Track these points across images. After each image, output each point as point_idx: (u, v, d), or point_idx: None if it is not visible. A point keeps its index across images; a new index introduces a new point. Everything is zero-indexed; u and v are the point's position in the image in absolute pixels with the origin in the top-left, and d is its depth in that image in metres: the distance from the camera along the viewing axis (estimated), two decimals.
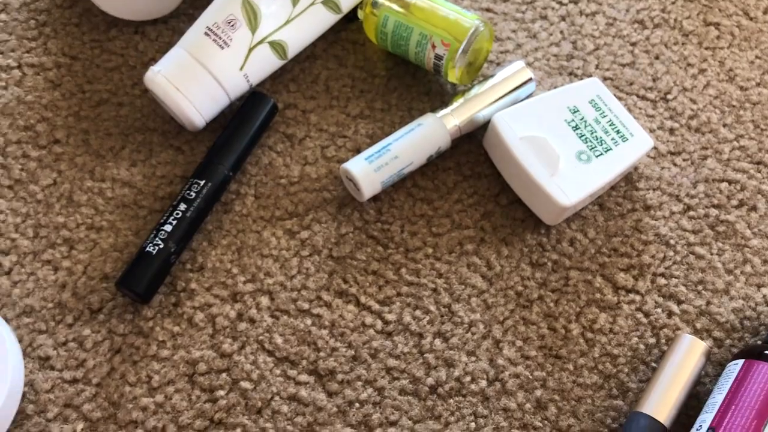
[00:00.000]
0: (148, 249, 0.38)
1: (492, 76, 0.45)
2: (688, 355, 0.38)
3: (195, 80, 0.40)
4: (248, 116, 0.42)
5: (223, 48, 0.41)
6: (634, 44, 0.49)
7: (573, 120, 0.43)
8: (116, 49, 0.45)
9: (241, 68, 0.41)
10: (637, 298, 0.41)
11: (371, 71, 0.46)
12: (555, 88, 0.47)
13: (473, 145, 0.45)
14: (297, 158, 0.44)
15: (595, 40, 0.49)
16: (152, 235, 0.38)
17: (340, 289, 0.40)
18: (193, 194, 0.39)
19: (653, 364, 0.40)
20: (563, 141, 0.42)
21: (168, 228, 0.38)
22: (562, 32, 0.49)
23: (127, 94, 0.44)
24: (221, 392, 0.37)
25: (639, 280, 0.42)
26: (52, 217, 0.40)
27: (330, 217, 0.42)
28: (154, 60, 0.45)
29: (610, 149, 0.42)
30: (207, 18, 0.41)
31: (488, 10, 0.49)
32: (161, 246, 0.38)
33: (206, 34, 0.41)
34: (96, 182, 0.42)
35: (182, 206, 0.39)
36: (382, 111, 0.45)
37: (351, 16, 0.47)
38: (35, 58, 0.45)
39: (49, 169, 0.42)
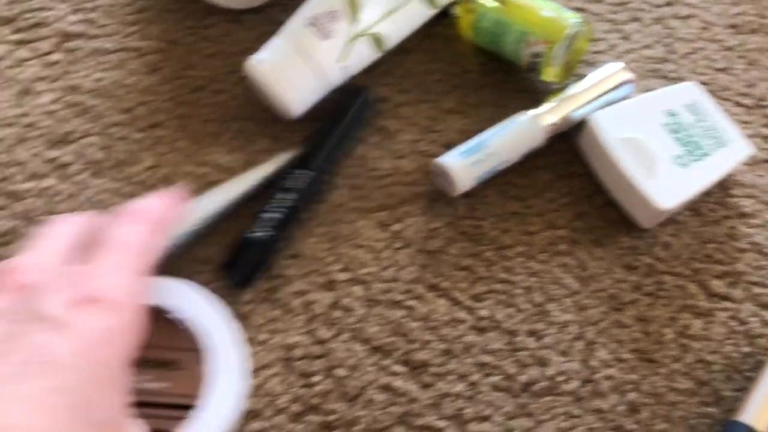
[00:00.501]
0: (249, 236, 0.38)
1: (587, 76, 0.44)
2: None
3: (295, 70, 0.41)
4: (348, 109, 0.42)
5: (324, 39, 0.41)
6: (729, 49, 0.48)
7: (671, 123, 0.42)
8: (213, 36, 0.46)
9: (340, 60, 0.42)
10: (732, 305, 0.41)
11: (464, 67, 0.46)
12: (647, 90, 0.46)
13: (567, 144, 0.44)
14: (389, 151, 0.44)
15: (689, 43, 0.48)
16: (254, 223, 0.39)
17: (431, 283, 0.40)
18: (294, 184, 0.40)
19: (748, 373, 0.39)
20: (661, 144, 0.42)
21: (269, 216, 0.39)
22: (656, 35, 0.49)
23: (224, 81, 0.45)
24: (317, 378, 0.38)
25: (733, 288, 0.41)
26: None
27: (421, 211, 0.42)
28: (250, 48, 0.46)
29: (708, 154, 0.42)
30: (309, 9, 0.42)
31: (581, 9, 0.49)
32: (262, 234, 0.38)
33: (308, 25, 0.41)
34: (195, 167, 0.42)
35: (283, 195, 0.40)
36: (474, 107, 0.45)
37: (444, 12, 0.47)
38: (135, 42, 0.45)
39: (149, 151, 0.42)
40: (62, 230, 0.32)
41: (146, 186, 0.41)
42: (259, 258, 0.38)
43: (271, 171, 0.41)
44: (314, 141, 0.42)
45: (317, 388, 0.37)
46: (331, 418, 0.37)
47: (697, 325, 0.40)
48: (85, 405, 0.26)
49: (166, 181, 0.42)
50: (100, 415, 0.27)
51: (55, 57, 0.45)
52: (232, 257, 0.38)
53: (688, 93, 0.44)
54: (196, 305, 0.36)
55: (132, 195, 0.41)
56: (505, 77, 0.46)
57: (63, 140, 0.42)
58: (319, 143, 0.41)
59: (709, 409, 0.38)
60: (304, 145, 0.42)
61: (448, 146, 0.44)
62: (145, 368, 0.35)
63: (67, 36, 0.45)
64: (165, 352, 0.36)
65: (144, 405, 0.34)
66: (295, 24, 0.41)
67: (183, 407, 0.34)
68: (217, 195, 0.40)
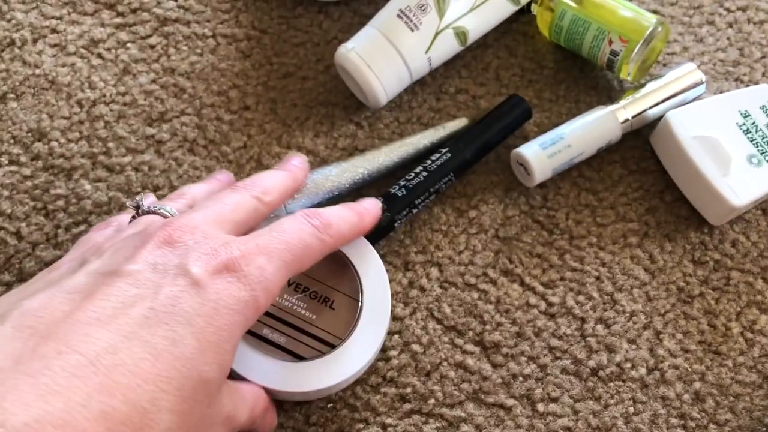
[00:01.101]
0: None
1: (661, 75, 0.46)
2: None
3: (385, 59, 0.43)
4: (507, 114, 0.44)
5: (413, 30, 0.43)
6: None
7: (744, 124, 0.44)
8: (301, 26, 0.48)
9: (427, 51, 0.44)
10: None
11: (540, 62, 0.48)
12: (721, 92, 0.48)
13: (640, 140, 0.46)
14: None
15: (762, 48, 0.49)
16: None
17: (505, 268, 0.42)
18: (435, 166, 0.42)
19: None
20: (734, 143, 0.43)
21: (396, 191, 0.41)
22: (729, 38, 0.50)
23: (311, 69, 0.47)
24: (393, 352, 0.40)
25: None
26: (243, 176, 0.43)
27: (497, 199, 0.44)
28: (336, 39, 0.48)
29: None
30: (400, 1, 0.44)
31: (656, 11, 0.50)
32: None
33: (399, 16, 0.43)
34: (282, 148, 0.44)
35: (421, 171, 0.42)
36: (549, 101, 0.47)
37: (523, 9, 0.48)
38: (228, 29, 0.48)
39: (240, 132, 0.45)
40: (225, 199, 0.34)
41: (237, 165, 0.44)
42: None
43: (422, 146, 0.44)
44: (469, 135, 0.44)
45: (394, 362, 0.39)
46: (407, 390, 0.39)
47: (763, 320, 0.41)
48: (189, 361, 0.28)
49: (256, 161, 0.44)
50: (198, 376, 0.28)
51: (153, 40, 0.47)
52: None
53: (761, 95, 0.45)
54: (368, 261, 0.39)
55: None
56: (580, 74, 0.48)
57: (159, 119, 0.45)
58: (472, 138, 0.43)
59: None
60: (463, 135, 0.44)
61: (525, 138, 0.45)
62: (305, 295, 0.38)
63: (165, 21, 0.48)
64: (328, 291, 0.38)
65: (288, 324, 0.37)
66: (386, 15, 0.43)
67: (318, 339, 0.37)
68: (364, 161, 0.42)
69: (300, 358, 0.36)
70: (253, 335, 0.36)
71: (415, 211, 0.42)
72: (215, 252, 0.30)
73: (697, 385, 0.40)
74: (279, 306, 0.37)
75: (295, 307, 0.37)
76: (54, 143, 0.44)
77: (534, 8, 0.48)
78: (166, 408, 0.27)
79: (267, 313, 0.37)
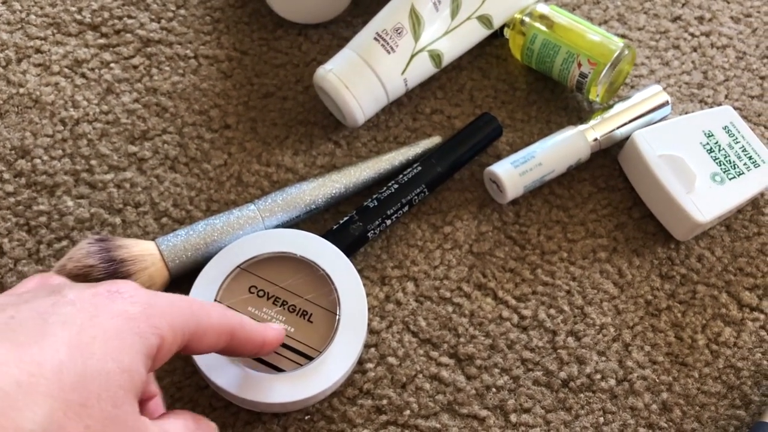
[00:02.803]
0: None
1: (628, 97, 0.47)
2: None
3: (362, 80, 0.44)
4: (474, 132, 0.46)
5: (389, 53, 0.44)
6: (763, 78, 0.51)
7: (708, 143, 0.45)
8: (282, 48, 0.50)
9: (403, 72, 0.45)
10: (761, 316, 0.43)
11: (513, 84, 0.50)
12: (686, 113, 0.49)
13: (608, 159, 0.47)
14: None
15: (725, 71, 0.51)
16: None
17: (479, 283, 0.43)
18: (407, 180, 0.44)
19: None
20: (698, 162, 0.45)
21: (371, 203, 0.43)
22: (693, 62, 0.52)
23: (291, 89, 0.48)
24: (370, 365, 0.40)
25: (763, 300, 0.44)
26: (224, 194, 0.44)
27: (471, 215, 0.45)
28: (316, 60, 0.49)
29: (743, 173, 0.45)
30: (377, 24, 0.45)
31: (624, 36, 0.52)
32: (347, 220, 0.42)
33: (375, 39, 0.45)
34: (262, 166, 0.46)
35: (393, 186, 0.43)
36: (522, 121, 0.48)
37: (496, 33, 0.50)
38: (210, 50, 0.49)
39: (221, 150, 0.46)
40: None
41: (218, 182, 0.45)
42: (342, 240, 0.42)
43: (397, 162, 0.45)
44: (441, 150, 0.45)
45: (370, 374, 0.40)
46: (383, 402, 0.40)
47: (727, 332, 0.43)
48: (68, 346, 0.26)
49: (236, 178, 0.45)
50: (84, 363, 0.26)
51: (136, 61, 0.48)
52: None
53: (724, 116, 0.47)
54: (346, 275, 0.39)
55: (203, 189, 0.44)
56: (551, 96, 0.49)
57: (142, 137, 0.46)
58: (444, 154, 0.45)
59: (738, 412, 0.41)
60: (435, 151, 0.45)
61: (498, 157, 0.47)
62: (284, 308, 0.38)
63: (148, 42, 0.49)
64: (307, 304, 0.39)
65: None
66: (363, 37, 0.45)
67: (296, 351, 0.38)
68: (340, 177, 0.44)
69: (278, 369, 0.37)
70: None
71: (389, 222, 0.43)
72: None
73: (665, 395, 0.41)
74: (258, 319, 0.38)
75: (273, 320, 0.38)
76: (37, 160, 0.45)
77: (506, 32, 0.49)
78: (41, 392, 0.24)
79: None
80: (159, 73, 0.48)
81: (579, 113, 0.49)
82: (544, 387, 0.41)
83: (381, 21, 0.45)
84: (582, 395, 0.41)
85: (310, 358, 0.37)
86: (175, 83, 0.48)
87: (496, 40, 0.51)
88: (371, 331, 0.41)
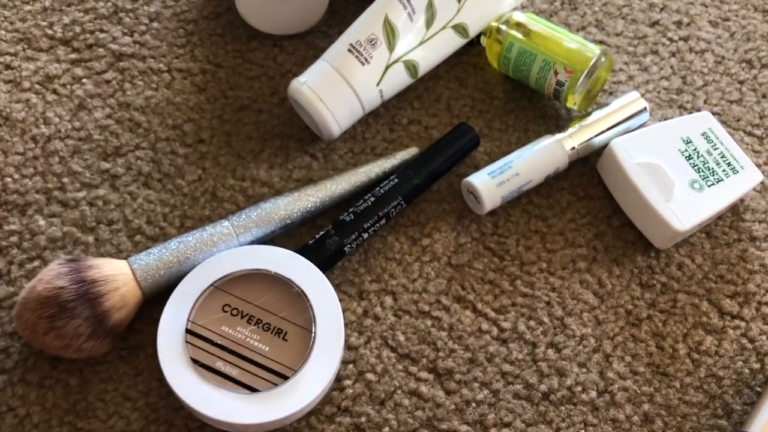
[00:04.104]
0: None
1: (606, 104, 0.47)
2: None
3: (337, 92, 0.44)
4: (451, 143, 0.45)
5: (364, 64, 0.44)
6: (741, 82, 0.51)
7: (686, 150, 0.45)
8: (256, 60, 0.49)
9: (378, 84, 0.45)
10: (742, 324, 0.43)
11: (490, 93, 0.49)
12: (665, 119, 0.49)
13: (587, 168, 0.47)
14: None
15: (704, 76, 0.51)
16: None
17: (458, 295, 0.43)
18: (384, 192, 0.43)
19: (758, 389, 0.41)
20: (677, 169, 0.44)
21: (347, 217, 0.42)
22: (672, 67, 0.51)
23: (266, 101, 0.48)
24: (348, 382, 0.40)
25: (744, 307, 0.43)
26: (198, 210, 0.44)
27: (449, 227, 0.45)
28: (291, 72, 0.49)
29: (722, 180, 0.44)
30: (351, 35, 0.45)
31: (602, 42, 0.52)
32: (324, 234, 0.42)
33: (350, 50, 0.44)
34: (237, 180, 0.45)
35: (370, 199, 0.43)
36: (499, 131, 0.48)
37: (473, 42, 0.50)
38: (183, 63, 0.49)
39: (195, 165, 0.45)
40: None
41: (192, 198, 0.44)
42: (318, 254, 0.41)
43: (373, 174, 0.44)
44: (418, 162, 0.44)
45: (348, 391, 0.40)
46: (361, 420, 0.39)
47: (709, 341, 0.42)
48: None
49: (210, 194, 0.44)
50: None
51: (108, 76, 0.48)
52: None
53: (702, 122, 0.46)
54: (321, 291, 0.39)
55: (177, 206, 0.44)
56: (528, 104, 0.49)
57: (114, 153, 0.45)
58: (421, 165, 0.44)
59: (720, 422, 0.40)
60: (411, 163, 0.45)
61: (476, 167, 0.46)
62: (258, 327, 0.38)
63: (120, 56, 0.48)
64: (281, 322, 0.38)
65: (240, 357, 0.37)
66: (337, 49, 0.44)
67: (271, 371, 0.37)
68: (315, 190, 0.43)
69: (253, 390, 0.36)
70: (206, 368, 0.37)
71: (365, 236, 0.42)
72: None
73: (646, 406, 0.40)
74: (231, 339, 0.37)
75: (248, 339, 0.37)
76: (8, 179, 0.44)
77: (483, 40, 0.49)
78: None
79: (220, 346, 0.37)
80: (132, 87, 0.48)
81: (557, 121, 0.48)
82: (525, 400, 0.40)
83: (355, 32, 0.45)
84: (563, 408, 0.40)
85: (285, 378, 0.37)
86: (149, 98, 0.47)
87: (472, 48, 0.50)
88: (349, 347, 0.41)
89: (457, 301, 0.43)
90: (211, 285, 0.38)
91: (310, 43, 0.50)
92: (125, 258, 0.41)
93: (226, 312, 0.38)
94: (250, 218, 0.41)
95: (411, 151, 0.46)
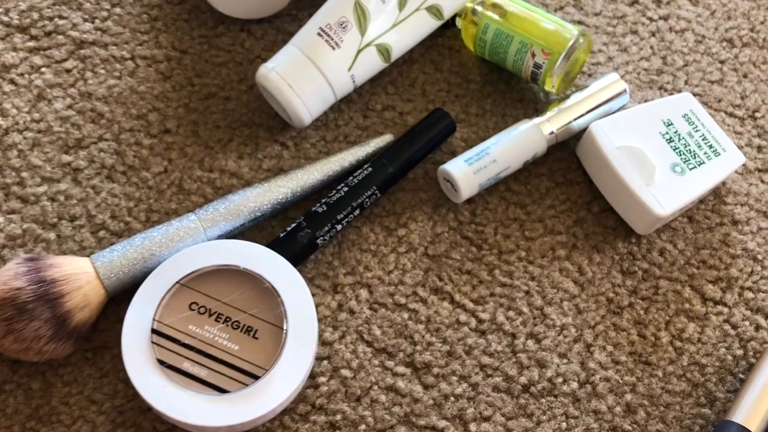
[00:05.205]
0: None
1: (586, 86, 0.46)
2: None
3: (306, 78, 0.42)
4: (426, 129, 0.44)
5: (334, 48, 0.42)
6: (722, 62, 0.50)
7: (667, 133, 0.44)
8: (224, 45, 0.47)
9: (349, 69, 0.43)
10: (725, 310, 0.42)
11: (466, 77, 0.48)
12: (645, 101, 0.48)
13: (566, 152, 0.46)
14: None
15: (684, 56, 0.50)
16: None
17: (435, 286, 0.42)
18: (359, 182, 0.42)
19: (741, 375, 0.40)
20: (658, 153, 0.43)
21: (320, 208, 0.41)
22: (652, 47, 0.50)
23: (234, 89, 0.46)
24: (323, 378, 0.39)
25: (727, 293, 0.43)
26: (164, 203, 0.42)
27: (426, 216, 0.43)
28: (260, 57, 0.47)
29: (704, 163, 0.43)
30: (320, 19, 0.43)
31: (580, 22, 0.50)
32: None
33: (319, 34, 0.42)
34: (205, 172, 0.43)
35: (344, 189, 0.41)
36: (476, 116, 0.47)
37: (448, 24, 0.48)
38: (147, 50, 0.47)
39: (160, 157, 0.44)
40: None
41: (158, 191, 0.43)
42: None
43: (347, 163, 0.43)
44: (392, 150, 0.43)
45: (323, 389, 0.38)
46: (337, 417, 0.38)
47: (691, 328, 0.41)
48: None
49: (177, 186, 0.43)
50: None
51: (69, 64, 0.46)
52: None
53: (683, 103, 0.45)
54: (293, 286, 0.37)
55: (142, 199, 0.42)
56: (506, 87, 0.48)
57: (76, 145, 0.43)
58: (395, 153, 0.43)
59: (703, 410, 0.40)
60: (386, 151, 0.43)
61: (452, 153, 0.45)
62: (227, 325, 0.36)
63: (81, 44, 0.46)
64: (251, 319, 0.37)
65: (209, 356, 0.36)
66: (307, 33, 0.43)
67: (241, 371, 0.36)
68: (285, 180, 0.41)
69: (222, 390, 0.35)
70: (173, 369, 0.35)
71: (339, 227, 0.41)
72: None
73: (629, 396, 0.40)
74: (200, 338, 0.36)
75: (216, 338, 0.36)
76: None
77: (458, 22, 0.48)
78: None
79: (187, 346, 0.36)
80: (94, 76, 0.46)
81: (535, 105, 0.47)
82: (504, 393, 0.39)
83: (324, 15, 0.43)
84: (543, 400, 0.39)
85: (255, 377, 0.35)
86: (111, 87, 0.45)
87: (448, 30, 0.49)
88: (323, 342, 0.40)
89: (435, 293, 0.41)
90: (177, 282, 0.37)
91: (279, 27, 0.48)
92: (89, 255, 0.39)
93: (194, 310, 0.36)
94: (217, 211, 0.40)
95: (385, 139, 0.45)
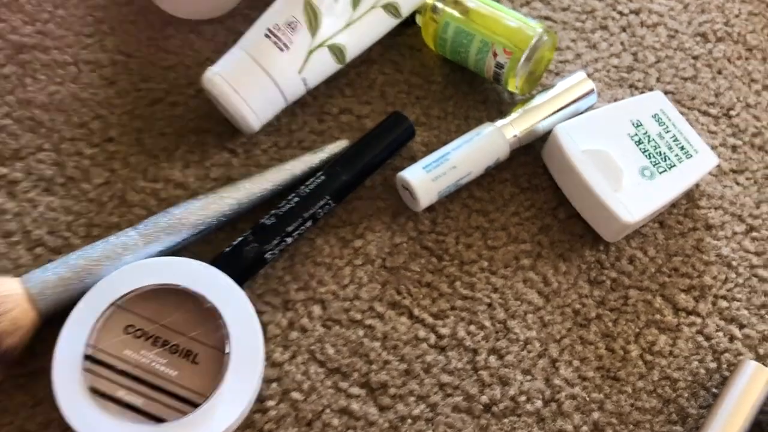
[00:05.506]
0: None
1: (552, 86, 0.44)
2: (752, 382, 0.37)
3: (254, 82, 0.40)
4: (384, 134, 0.41)
5: (282, 50, 0.40)
6: (696, 58, 0.48)
7: (636, 134, 0.42)
8: (172, 47, 0.45)
9: (300, 71, 0.41)
10: (698, 320, 0.40)
11: (428, 78, 0.46)
12: (615, 100, 0.46)
13: (531, 156, 0.44)
14: None
15: (656, 52, 0.48)
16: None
17: (393, 301, 0.39)
18: (312, 191, 0.39)
19: (714, 390, 0.39)
20: (626, 156, 0.41)
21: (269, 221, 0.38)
22: (622, 43, 0.48)
23: (182, 93, 0.44)
24: (271, 402, 0.37)
25: (700, 302, 0.41)
26: (105, 216, 0.40)
27: (384, 226, 0.41)
28: (209, 60, 0.45)
29: (674, 165, 0.41)
30: (268, 19, 0.41)
31: (547, 18, 0.48)
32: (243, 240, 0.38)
33: (267, 35, 0.40)
34: (149, 182, 0.41)
35: (296, 200, 0.39)
36: (438, 119, 0.44)
37: (408, 21, 0.46)
38: (91, 54, 0.44)
39: (102, 167, 0.41)
40: None
41: (99, 203, 0.40)
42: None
43: (299, 171, 0.41)
44: (347, 156, 0.41)
45: (272, 413, 0.36)
46: None
47: (662, 340, 0.39)
48: None
49: (119, 198, 0.40)
50: None
51: (7, 70, 0.43)
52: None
53: (654, 103, 0.43)
54: (236, 305, 0.35)
55: (82, 213, 0.40)
56: (469, 88, 0.45)
57: (13, 156, 0.41)
58: (350, 160, 0.41)
59: (675, 428, 0.38)
60: (339, 157, 0.41)
61: (412, 159, 0.43)
62: (164, 350, 0.34)
63: (21, 48, 0.44)
64: (191, 343, 0.34)
65: (146, 383, 0.33)
66: (254, 35, 0.40)
67: (179, 398, 0.33)
68: (231, 191, 0.39)
69: (160, 420, 0.33)
70: (106, 398, 0.33)
71: (289, 240, 0.39)
72: None
73: (596, 415, 0.38)
74: (135, 364, 0.34)
75: (153, 363, 0.34)
76: None
77: (418, 19, 0.45)
78: None
79: (122, 372, 0.33)
80: (34, 82, 0.43)
81: (500, 106, 0.45)
82: (465, 413, 0.37)
83: (272, 15, 0.41)
84: (506, 420, 0.37)
85: (195, 405, 0.33)
86: (52, 94, 0.43)
87: (408, 28, 0.47)
88: (273, 363, 0.37)
89: (392, 307, 0.39)
90: (112, 304, 0.34)
91: (231, 28, 0.46)
92: (22, 275, 0.37)
93: (129, 334, 0.34)
94: (158, 225, 0.38)
95: (341, 144, 0.42)
